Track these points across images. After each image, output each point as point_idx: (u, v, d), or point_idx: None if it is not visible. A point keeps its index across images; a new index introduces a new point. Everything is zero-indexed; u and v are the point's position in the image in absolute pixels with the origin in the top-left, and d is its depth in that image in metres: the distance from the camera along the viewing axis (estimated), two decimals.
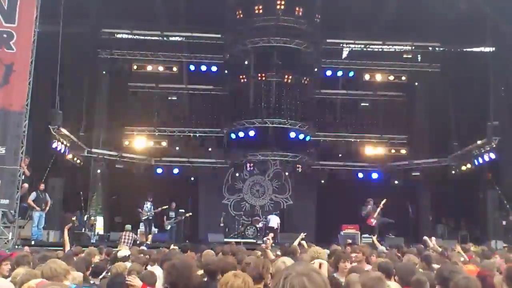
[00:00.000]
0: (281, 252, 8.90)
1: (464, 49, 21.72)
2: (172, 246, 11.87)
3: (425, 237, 11.06)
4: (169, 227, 19.51)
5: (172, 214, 19.65)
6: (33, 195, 16.15)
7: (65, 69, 17.13)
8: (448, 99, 20.97)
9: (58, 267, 4.91)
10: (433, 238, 11.17)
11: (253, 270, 4.77)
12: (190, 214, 19.83)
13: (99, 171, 22.21)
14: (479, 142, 18.87)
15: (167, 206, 19.26)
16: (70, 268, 5.51)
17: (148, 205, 19.07)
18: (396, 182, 22.73)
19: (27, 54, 14.12)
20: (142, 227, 19.23)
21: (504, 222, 17.14)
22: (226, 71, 23.23)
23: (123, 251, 8.38)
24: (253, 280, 4.47)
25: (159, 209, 19.07)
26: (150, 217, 19.05)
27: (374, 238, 13.08)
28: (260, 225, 21.20)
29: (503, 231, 17.27)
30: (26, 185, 15.34)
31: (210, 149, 23.33)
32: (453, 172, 21.18)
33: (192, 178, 23.34)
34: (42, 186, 16.63)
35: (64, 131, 17.97)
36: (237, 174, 24.12)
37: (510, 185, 18.10)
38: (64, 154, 19.13)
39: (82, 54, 20.17)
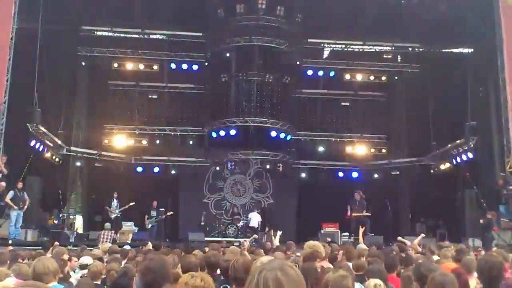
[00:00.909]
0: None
1: (444, 50, 22.01)
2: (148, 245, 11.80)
3: (400, 237, 11.30)
4: (150, 226, 19.44)
5: (153, 213, 19.58)
6: (11, 193, 15.89)
7: (44, 66, 16.92)
8: (428, 99, 21.21)
9: (50, 264, 4.89)
10: (422, 235, 11.39)
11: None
12: (172, 213, 19.76)
13: (78, 169, 22.01)
14: (457, 141, 19.15)
15: (133, 203, 19.19)
16: None
17: (114, 202, 19.05)
18: (375, 176, 22.95)
19: (5, 51, 13.96)
20: (124, 227, 19.09)
21: (481, 221, 17.39)
22: (207, 70, 23.16)
23: (86, 257, 8.28)
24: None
25: (126, 206, 19.04)
26: (118, 215, 19.01)
27: (361, 234, 12.77)
28: (241, 224, 21.23)
29: (480, 230, 17.51)
30: (3, 183, 15.14)
31: (191, 148, 23.24)
32: (432, 171, 21.47)
33: (173, 176, 23.19)
34: (20, 185, 16.37)
35: (42, 129, 17.77)
36: (218, 171, 24.10)
37: (487, 184, 18.40)
38: (43, 152, 18.94)
39: (61, 52, 19.94)
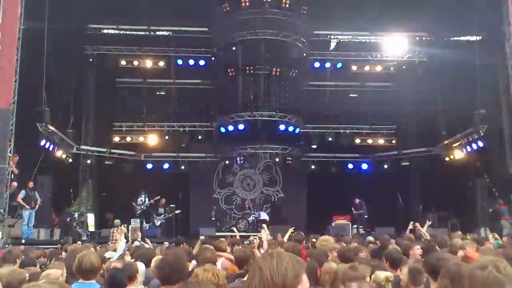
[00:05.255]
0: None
1: (451, 38, 21.80)
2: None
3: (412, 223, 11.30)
4: (158, 223, 19.56)
5: (161, 210, 19.74)
6: (22, 193, 16.05)
7: (51, 66, 16.96)
8: (436, 89, 21.06)
9: (96, 261, 4.95)
10: (428, 223, 11.37)
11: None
12: (179, 211, 19.82)
13: (88, 167, 22.11)
14: (467, 130, 19.00)
15: (159, 197, 19.48)
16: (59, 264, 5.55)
17: (142, 197, 19.37)
18: (385, 167, 22.89)
19: (13, 52, 14.02)
20: (133, 223, 19.18)
21: (490, 210, 17.31)
22: (214, 65, 23.11)
23: (110, 253, 8.30)
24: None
25: (153, 200, 19.36)
26: (145, 208, 19.35)
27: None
28: (251, 218, 21.26)
29: (488, 219, 17.42)
30: (15, 183, 15.24)
31: (200, 144, 23.24)
32: (442, 161, 21.32)
33: (183, 172, 23.21)
34: (30, 184, 16.54)
35: (52, 128, 17.84)
36: (227, 167, 24.11)
37: (498, 173, 18.26)
38: (53, 151, 19.06)
39: (68, 51, 19.99)
